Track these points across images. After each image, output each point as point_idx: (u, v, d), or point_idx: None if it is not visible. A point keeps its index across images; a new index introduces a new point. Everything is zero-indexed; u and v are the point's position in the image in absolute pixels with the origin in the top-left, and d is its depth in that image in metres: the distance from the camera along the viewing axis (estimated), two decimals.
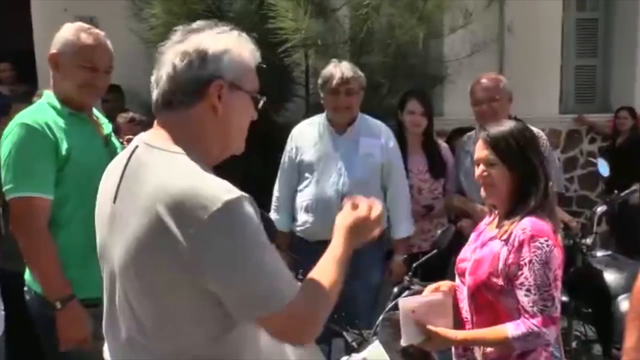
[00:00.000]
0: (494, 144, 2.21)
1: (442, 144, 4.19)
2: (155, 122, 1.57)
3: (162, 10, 4.86)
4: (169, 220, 1.39)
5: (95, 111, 2.65)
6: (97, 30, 2.50)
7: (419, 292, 2.68)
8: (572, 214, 6.47)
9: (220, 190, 1.41)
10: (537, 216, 2.15)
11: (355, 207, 1.66)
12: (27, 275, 2.48)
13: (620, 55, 7.21)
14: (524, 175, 2.19)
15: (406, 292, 2.40)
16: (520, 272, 2.09)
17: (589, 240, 3.77)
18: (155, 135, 1.54)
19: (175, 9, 4.78)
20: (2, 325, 2.21)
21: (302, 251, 3.46)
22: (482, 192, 2.28)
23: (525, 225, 2.13)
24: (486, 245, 2.22)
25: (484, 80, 3.64)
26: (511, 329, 2.08)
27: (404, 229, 3.65)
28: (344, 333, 2.49)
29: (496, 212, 2.32)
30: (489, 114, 3.48)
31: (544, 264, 2.08)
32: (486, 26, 5.59)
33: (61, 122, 2.43)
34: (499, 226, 2.23)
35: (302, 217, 3.61)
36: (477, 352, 2.22)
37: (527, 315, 2.08)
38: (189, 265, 1.40)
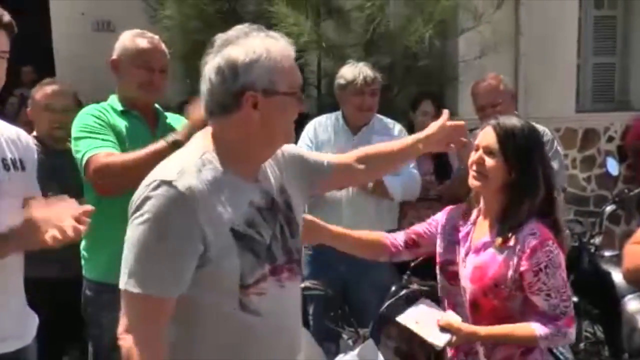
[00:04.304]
0: (501, 134, 2.12)
1: (451, 145, 4.18)
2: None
3: (175, 12, 4.94)
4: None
5: (158, 107, 2.80)
6: (151, 34, 2.71)
7: (416, 292, 2.71)
8: (589, 214, 6.46)
9: (156, 174, 1.60)
10: (541, 220, 2.11)
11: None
12: (83, 262, 2.69)
13: (639, 54, 7.12)
14: (520, 175, 2.10)
15: (403, 291, 2.42)
16: (536, 278, 2.05)
17: (597, 240, 3.74)
18: (196, 137, 1.75)
19: (187, 11, 4.86)
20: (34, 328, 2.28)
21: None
22: (472, 180, 2.18)
23: (533, 230, 2.08)
24: (484, 251, 2.15)
25: (484, 85, 3.59)
26: (538, 328, 2.06)
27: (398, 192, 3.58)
28: (341, 331, 2.51)
29: (479, 207, 2.24)
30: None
31: (558, 267, 2.06)
32: (501, 25, 5.57)
33: (112, 116, 2.63)
34: (493, 229, 2.16)
35: (311, 214, 3.65)
36: (481, 356, 2.18)
37: (549, 319, 2.06)
38: None
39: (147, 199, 1.55)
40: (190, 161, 1.62)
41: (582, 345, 3.82)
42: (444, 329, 2.09)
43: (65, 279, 2.89)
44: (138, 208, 1.56)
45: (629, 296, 3.42)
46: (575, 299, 3.74)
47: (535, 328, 2.06)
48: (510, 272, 2.08)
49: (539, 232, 2.07)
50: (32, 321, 2.23)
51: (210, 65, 1.63)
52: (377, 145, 2.24)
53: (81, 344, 3.17)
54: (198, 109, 2.45)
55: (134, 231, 1.56)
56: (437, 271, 2.30)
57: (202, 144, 1.68)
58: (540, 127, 3.59)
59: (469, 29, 5.39)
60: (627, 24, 7.20)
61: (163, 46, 2.73)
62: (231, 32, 1.65)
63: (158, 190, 1.54)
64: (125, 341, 1.58)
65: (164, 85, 2.72)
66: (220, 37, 1.65)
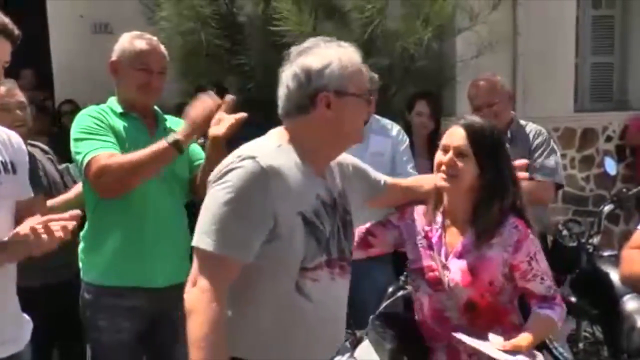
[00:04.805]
0: (472, 134, 2.12)
1: None
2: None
3: (172, 13, 4.94)
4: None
5: (157, 109, 2.81)
6: (149, 36, 2.72)
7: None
8: (588, 214, 6.46)
9: (241, 151, 1.76)
10: (517, 214, 2.18)
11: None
12: (81, 265, 2.69)
13: (637, 53, 7.13)
14: (490, 174, 2.12)
15: (401, 292, 2.42)
16: (530, 267, 2.15)
17: (595, 240, 3.73)
18: (270, 134, 1.89)
19: (184, 12, 4.86)
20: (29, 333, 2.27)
21: None
22: (441, 182, 2.16)
23: (514, 224, 2.16)
24: (467, 254, 2.17)
25: (480, 84, 3.54)
26: (552, 314, 2.16)
27: None
28: None
29: (442, 208, 2.23)
30: (490, 117, 3.45)
31: (541, 252, 2.18)
32: (498, 25, 5.56)
33: (112, 118, 2.62)
34: (466, 231, 2.18)
35: None
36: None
37: (549, 300, 2.17)
38: None
39: (231, 169, 1.71)
40: (270, 147, 1.79)
41: (581, 345, 3.81)
42: (508, 351, 2.04)
43: (54, 285, 2.90)
44: (221, 176, 1.72)
45: (628, 296, 3.40)
46: (573, 299, 3.75)
47: (550, 315, 2.16)
48: (501, 268, 2.15)
49: (520, 225, 2.15)
50: (27, 326, 2.23)
51: (287, 73, 1.81)
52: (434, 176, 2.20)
53: (80, 345, 3.17)
54: (196, 109, 2.46)
55: (214, 195, 1.72)
56: (414, 277, 2.29)
57: (276, 137, 1.84)
58: (536, 126, 3.61)
59: (465, 29, 5.39)
60: (625, 24, 7.21)
61: (162, 48, 2.73)
62: (305, 44, 1.83)
63: (242, 162, 1.71)
64: (189, 294, 1.68)
65: (161, 86, 2.72)
66: (295, 49, 1.83)
